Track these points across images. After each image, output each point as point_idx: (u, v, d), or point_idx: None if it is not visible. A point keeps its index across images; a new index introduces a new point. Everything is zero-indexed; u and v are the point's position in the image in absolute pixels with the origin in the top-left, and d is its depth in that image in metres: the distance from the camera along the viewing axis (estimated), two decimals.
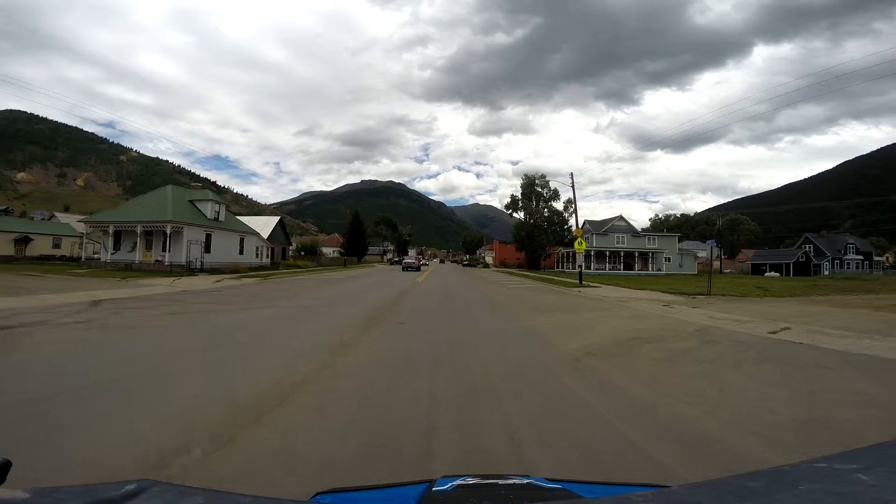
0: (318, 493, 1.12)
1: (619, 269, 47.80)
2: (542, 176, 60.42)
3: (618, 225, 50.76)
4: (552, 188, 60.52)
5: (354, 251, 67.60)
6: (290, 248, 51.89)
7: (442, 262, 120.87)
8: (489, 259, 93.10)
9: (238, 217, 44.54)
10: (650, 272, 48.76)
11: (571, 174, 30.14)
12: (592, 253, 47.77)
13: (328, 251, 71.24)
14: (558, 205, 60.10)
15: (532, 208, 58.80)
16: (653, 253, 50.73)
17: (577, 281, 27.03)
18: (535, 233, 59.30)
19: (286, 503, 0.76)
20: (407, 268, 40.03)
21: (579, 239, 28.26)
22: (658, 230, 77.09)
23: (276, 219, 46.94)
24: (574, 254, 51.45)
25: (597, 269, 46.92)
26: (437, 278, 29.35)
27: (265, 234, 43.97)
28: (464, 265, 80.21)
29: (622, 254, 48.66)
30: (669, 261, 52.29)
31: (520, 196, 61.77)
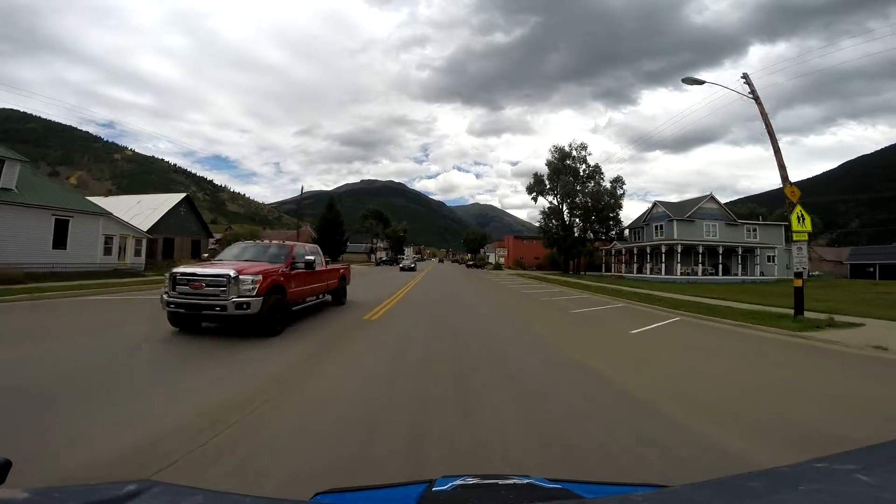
0: (317, 494, 1.03)
1: (716, 274, 29.80)
2: (582, 145, 42.21)
3: (707, 208, 32.59)
4: (591, 164, 42.40)
5: (327, 249, 49.43)
6: (211, 240, 33.78)
7: (441, 261, 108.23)
8: (497, 259, 75.07)
9: (103, 198, 26.56)
10: (756, 277, 30.85)
11: (746, 76, 11.74)
12: (678, 249, 29.64)
13: None
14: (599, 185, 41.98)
15: (571, 187, 40.19)
16: (759, 248, 32.76)
17: (782, 305, 9.38)
18: (577, 222, 41.21)
19: (286, 503, 0.72)
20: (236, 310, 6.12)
21: (798, 211, 10.19)
22: None
23: (176, 197, 28.58)
24: (634, 252, 33.11)
25: (684, 275, 28.93)
26: (425, 313, 11.37)
27: (150, 220, 25.85)
28: (468, 266, 62.19)
29: (720, 250, 30.43)
30: (773, 260, 34.40)
31: (546, 175, 43.43)
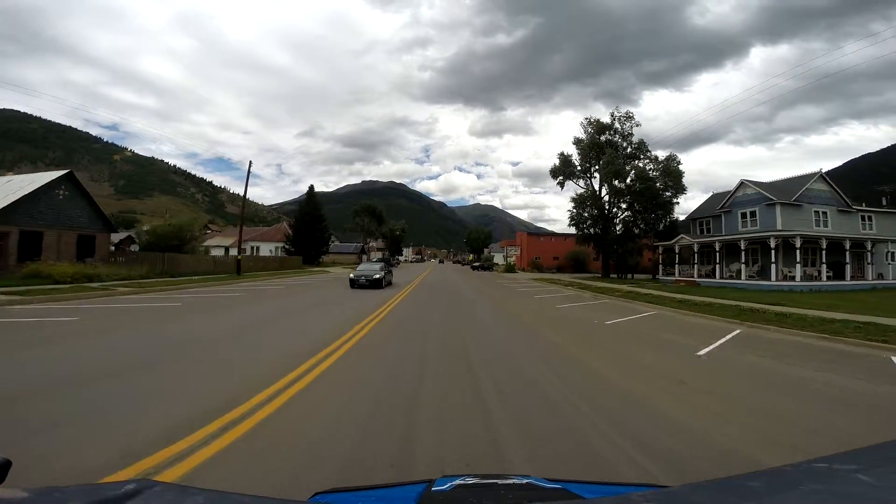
0: (317, 493, 1.01)
1: (841, 279, 20.19)
2: (627, 115, 32.33)
3: (816, 190, 22.84)
4: (635, 140, 32.29)
5: (304, 247, 39.86)
6: (132, 236, 24.26)
7: (441, 262, 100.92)
8: (506, 259, 65.44)
9: None
10: (890, 281, 21.25)
11: None
12: (796, 244, 19.89)
13: (269, 247, 43.68)
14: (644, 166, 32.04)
15: (619, 164, 29.60)
16: (889, 243, 23.12)
17: None
18: (623, 210, 31.46)
19: (286, 503, 0.71)
20: None
21: None
22: None
23: (50, 175, 18.67)
24: (715, 249, 21.31)
25: (804, 282, 19.29)
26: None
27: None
28: (473, 268, 52.51)
29: (847, 245, 20.65)
30: (893, 258, 24.82)
31: (576, 155, 33.50)
